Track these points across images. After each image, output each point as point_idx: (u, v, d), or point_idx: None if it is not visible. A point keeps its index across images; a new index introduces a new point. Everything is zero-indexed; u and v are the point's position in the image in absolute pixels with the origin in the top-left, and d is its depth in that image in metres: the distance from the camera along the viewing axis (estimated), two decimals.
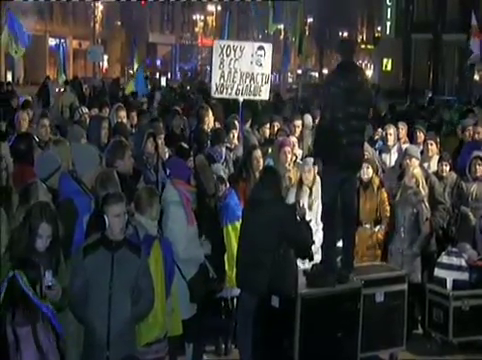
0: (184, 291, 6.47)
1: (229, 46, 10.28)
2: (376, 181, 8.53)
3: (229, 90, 10.34)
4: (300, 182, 8.20)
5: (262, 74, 10.48)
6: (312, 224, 7.31)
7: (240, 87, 10.36)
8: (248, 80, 10.37)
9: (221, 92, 10.34)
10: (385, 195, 8.49)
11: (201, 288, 6.52)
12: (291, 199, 7.93)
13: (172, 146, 8.82)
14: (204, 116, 10.20)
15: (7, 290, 5.09)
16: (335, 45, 7.50)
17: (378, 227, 8.42)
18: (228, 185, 7.53)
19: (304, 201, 7.88)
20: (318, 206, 7.69)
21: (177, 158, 7.75)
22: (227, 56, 10.19)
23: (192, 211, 6.65)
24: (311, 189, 8.10)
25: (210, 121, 10.11)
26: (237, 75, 10.28)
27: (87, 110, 10.83)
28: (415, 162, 8.69)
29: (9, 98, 15.49)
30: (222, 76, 10.26)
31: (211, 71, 11.06)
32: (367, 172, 8.47)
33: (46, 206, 5.44)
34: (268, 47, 10.61)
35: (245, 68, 10.31)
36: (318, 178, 7.83)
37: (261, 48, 10.49)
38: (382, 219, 8.44)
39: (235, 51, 10.22)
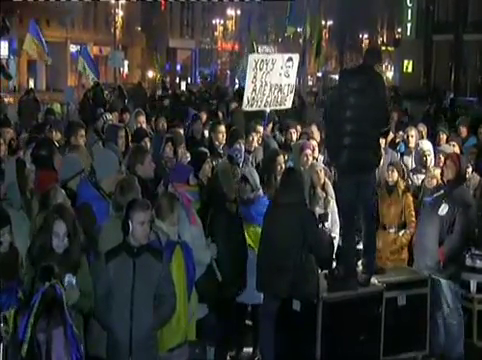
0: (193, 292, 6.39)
1: (263, 60, 10.09)
2: (401, 185, 8.44)
3: (258, 103, 10.19)
4: (312, 187, 7.92)
5: (288, 84, 10.40)
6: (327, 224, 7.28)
7: (269, 99, 10.25)
8: (276, 91, 10.26)
9: (251, 105, 10.17)
10: (410, 199, 8.40)
11: (209, 290, 6.45)
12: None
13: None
14: (213, 132, 9.74)
15: (42, 299, 5.07)
16: (357, 49, 7.35)
17: (402, 231, 8.36)
18: (261, 190, 7.45)
19: (321, 205, 7.80)
20: (333, 205, 7.65)
21: (178, 164, 7.78)
22: (260, 70, 10.01)
23: (194, 210, 6.61)
24: (324, 189, 7.97)
25: (221, 138, 9.80)
26: (267, 88, 10.14)
27: (111, 116, 10.87)
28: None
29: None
30: (254, 90, 10.09)
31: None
32: (392, 175, 8.40)
33: (63, 206, 5.50)
34: (296, 58, 10.56)
35: (275, 80, 10.18)
36: (326, 178, 7.78)
37: (290, 59, 10.40)
38: (407, 223, 8.36)
39: (267, 64, 10.06)
